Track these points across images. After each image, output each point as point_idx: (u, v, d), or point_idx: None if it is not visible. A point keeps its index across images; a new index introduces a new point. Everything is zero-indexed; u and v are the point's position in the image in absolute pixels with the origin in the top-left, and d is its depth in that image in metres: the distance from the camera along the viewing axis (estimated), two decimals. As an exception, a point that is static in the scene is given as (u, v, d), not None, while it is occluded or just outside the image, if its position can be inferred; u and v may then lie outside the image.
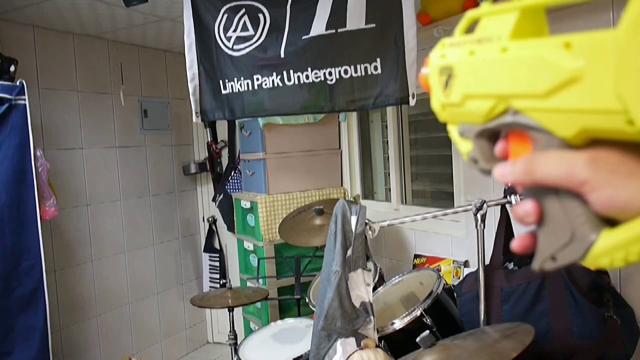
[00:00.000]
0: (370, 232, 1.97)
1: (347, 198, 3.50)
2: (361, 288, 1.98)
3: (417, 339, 1.59)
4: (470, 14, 0.49)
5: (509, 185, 1.89)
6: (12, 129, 2.62)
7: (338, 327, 1.91)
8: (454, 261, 2.68)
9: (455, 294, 2.09)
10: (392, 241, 3.11)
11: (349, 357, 1.86)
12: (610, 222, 0.40)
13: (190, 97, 2.35)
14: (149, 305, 4.03)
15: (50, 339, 2.73)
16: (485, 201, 1.80)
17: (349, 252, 1.94)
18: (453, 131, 0.52)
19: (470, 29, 0.49)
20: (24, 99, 2.66)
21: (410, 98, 2.02)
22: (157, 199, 4.11)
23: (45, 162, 2.78)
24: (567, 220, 0.42)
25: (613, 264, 0.39)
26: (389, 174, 3.44)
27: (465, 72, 0.47)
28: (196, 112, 2.35)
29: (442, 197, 3.09)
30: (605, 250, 0.39)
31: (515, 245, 0.46)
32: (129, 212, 3.85)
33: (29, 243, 2.67)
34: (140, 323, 3.94)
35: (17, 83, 2.66)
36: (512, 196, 1.81)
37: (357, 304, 1.96)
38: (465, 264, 2.63)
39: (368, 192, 3.59)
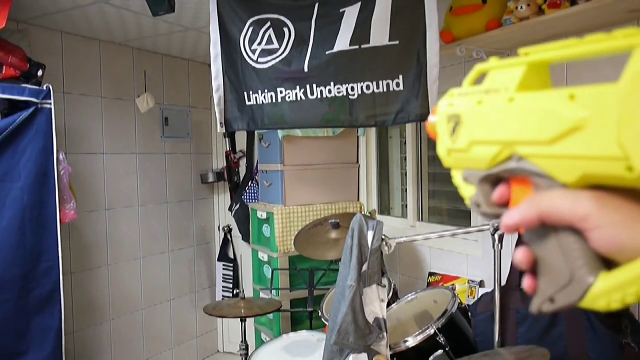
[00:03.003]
0: (386, 248, 1.97)
1: (363, 213, 3.50)
2: (375, 304, 1.97)
3: (430, 358, 1.58)
4: (479, 68, 0.52)
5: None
6: (36, 132, 2.67)
7: (350, 342, 1.90)
8: (469, 280, 2.66)
9: (469, 314, 2.08)
10: (407, 258, 3.10)
11: (360, 372, 1.85)
12: (607, 263, 0.42)
13: (215, 107, 2.38)
14: (161, 312, 4.05)
15: (64, 340, 2.75)
16: (503, 221, 1.79)
17: (365, 267, 1.94)
18: (457, 176, 0.54)
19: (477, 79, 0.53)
20: (50, 103, 2.71)
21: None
22: (174, 206, 4.15)
23: (68, 166, 2.82)
24: (565, 262, 0.43)
25: (610, 305, 0.40)
26: (405, 190, 3.44)
27: (472, 120, 0.50)
28: (220, 122, 2.38)
29: (458, 216, 3.08)
30: (603, 292, 0.40)
31: (518, 258, 0.47)
32: (146, 218, 3.89)
33: (48, 245, 2.70)
34: (152, 329, 3.96)
35: (44, 87, 2.71)
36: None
37: (370, 320, 1.95)
38: (481, 283, 2.61)
39: (384, 208, 3.58)
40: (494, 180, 0.51)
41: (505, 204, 0.50)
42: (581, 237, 0.42)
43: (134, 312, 3.81)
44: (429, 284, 2.88)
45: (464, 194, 0.53)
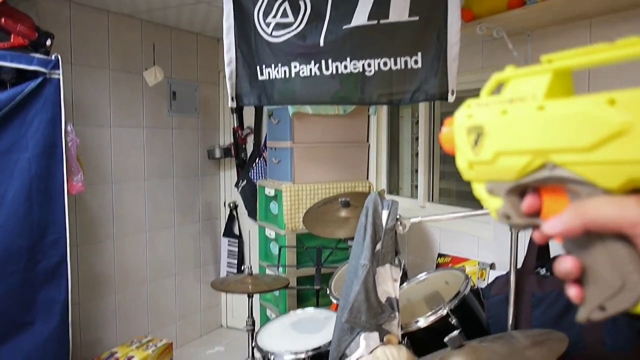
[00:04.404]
0: (400, 228, 1.95)
1: (371, 192, 3.47)
2: (388, 283, 1.96)
3: (446, 339, 1.57)
4: (498, 77, 0.51)
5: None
6: (45, 103, 2.63)
7: (362, 321, 1.89)
8: (479, 262, 2.64)
9: (482, 296, 2.06)
10: (416, 238, 3.08)
11: (371, 351, 1.84)
12: None
13: (227, 81, 2.34)
14: (166, 286, 4.06)
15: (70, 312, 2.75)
16: (521, 204, 1.76)
17: (378, 247, 1.92)
18: (479, 188, 0.54)
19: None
20: (58, 74, 2.67)
21: (450, 94, 1.99)
22: (180, 181, 4.12)
23: (75, 138, 2.79)
24: (615, 269, 0.42)
25: None
26: (416, 171, 3.40)
27: (498, 131, 0.49)
28: (231, 97, 2.34)
29: (469, 197, 3.05)
30: None
31: (566, 268, 0.46)
32: (152, 192, 3.87)
33: (55, 216, 2.68)
34: (157, 303, 3.97)
35: (53, 57, 2.66)
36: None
37: (382, 299, 1.94)
38: (492, 266, 2.59)
39: (393, 188, 3.55)
40: (521, 190, 0.50)
41: (535, 214, 0.49)
42: (629, 244, 0.41)
43: (139, 285, 3.81)
44: (438, 265, 2.86)
45: (489, 207, 0.52)
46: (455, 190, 3.20)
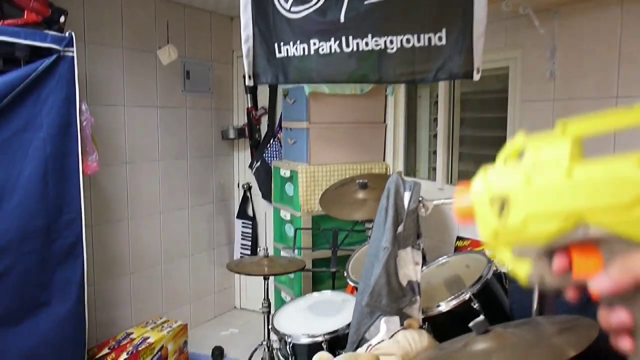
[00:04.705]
0: (423, 210, 1.90)
1: (388, 174, 3.42)
2: (409, 267, 1.92)
3: (471, 324, 1.52)
4: (515, 147, 0.52)
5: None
6: (59, 81, 2.60)
7: (383, 305, 1.85)
8: (499, 246, 2.59)
9: (505, 281, 2.02)
10: (434, 221, 3.03)
11: (392, 336, 1.81)
12: None
13: (244, 59, 2.28)
14: (180, 267, 4.05)
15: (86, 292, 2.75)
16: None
17: (400, 229, 1.88)
18: (504, 254, 0.53)
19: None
20: (72, 51, 2.63)
21: (475, 72, 1.92)
22: (194, 162, 4.09)
23: (90, 117, 2.75)
24: None
25: None
26: (434, 152, 3.34)
27: (525, 198, 0.50)
28: (249, 75, 2.28)
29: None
30: None
31: (619, 321, 0.47)
32: (166, 173, 3.84)
33: (71, 197, 2.66)
34: (171, 284, 3.97)
35: (66, 34, 2.62)
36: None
37: (404, 283, 1.90)
38: (512, 250, 2.54)
39: (410, 170, 3.50)
40: (551, 251, 0.50)
41: (567, 272, 0.50)
42: None
43: (153, 266, 3.80)
44: (456, 249, 2.82)
45: (519, 271, 0.52)
46: (474, 172, 3.13)
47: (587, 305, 1.64)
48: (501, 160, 0.54)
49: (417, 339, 1.79)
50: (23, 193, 2.49)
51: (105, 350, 2.96)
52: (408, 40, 2.02)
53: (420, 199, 1.88)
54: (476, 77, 1.92)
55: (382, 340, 1.79)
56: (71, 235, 2.67)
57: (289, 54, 2.22)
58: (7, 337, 2.46)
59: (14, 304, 2.48)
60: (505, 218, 0.51)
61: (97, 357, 2.89)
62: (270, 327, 2.53)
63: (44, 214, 2.56)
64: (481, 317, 1.53)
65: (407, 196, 1.88)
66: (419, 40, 2.00)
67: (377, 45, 2.07)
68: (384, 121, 3.48)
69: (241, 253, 4.46)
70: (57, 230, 2.61)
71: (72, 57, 2.63)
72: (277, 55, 2.25)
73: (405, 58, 2.04)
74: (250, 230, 4.42)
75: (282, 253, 3.50)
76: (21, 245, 2.48)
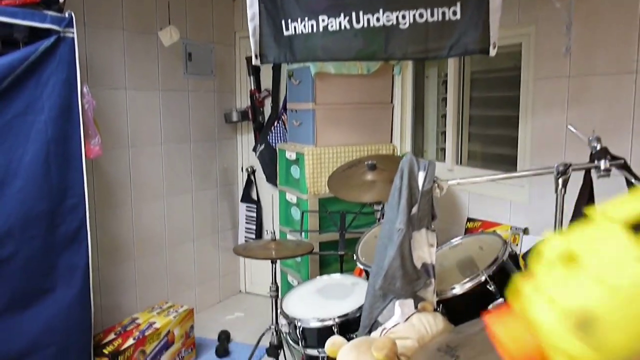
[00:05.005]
0: (438, 191, 1.85)
1: (396, 155, 3.36)
2: (424, 248, 1.87)
3: (490, 306, 1.48)
4: (557, 250, 0.45)
5: (597, 149, 1.74)
6: (59, 63, 2.53)
7: (397, 288, 1.81)
8: (512, 227, 2.54)
9: (522, 261, 1.97)
10: (443, 202, 2.98)
11: (407, 319, 1.77)
12: None
13: (250, 37, 2.21)
14: (184, 252, 4.01)
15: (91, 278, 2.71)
16: (570, 165, 1.65)
17: (414, 210, 1.83)
18: None
19: None
20: (72, 32, 2.56)
21: (491, 48, 1.86)
22: (197, 145, 4.03)
23: (92, 99, 2.69)
24: None
25: None
26: (442, 133, 3.28)
27: (619, 308, 0.42)
28: (255, 54, 2.21)
29: (497, 160, 2.93)
30: None
31: None
32: (169, 157, 3.79)
33: (74, 181, 2.61)
34: (175, 269, 3.93)
35: (66, 15, 2.55)
36: (601, 161, 1.65)
37: (418, 265, 1.85)
38: (525, 231, 2.50)
39: (417, 151, 3.44)
40: None
41: None
42: None
43: (158, 251, 3.76)
44: (467, 230, 2.77)
45: None
46: (481, 153, 3.08)
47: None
48: (544, 268, 0.46)
49: (432, 322, 1.75)
50: (25, 177, 2.43)
51: (112, 336, 2.93)
52: (421, 15, 1.95)
53: (435, 179, 1.83)
54: (492, 52, 1.85)
55: (397, 324, 1.75)
56: (75, 220, 2.62)
57: (297, 32, 2.15)
58: (13, 323, 2.42)
59: (19, 290, 2.44)
60: (597, 338, 0.43)
61: (103, 342, 2.86)
62: (279, 311, 2.49)
63: (47, 198, 2.51)
64: (500, 299, 1.49)
65: (421, 176, 1.83)
66: (432, 15, 1.93)
67: (388, 20, 2.00)
68: (391, 101, 3.41)
69: (246, 237, 4.42)
70: (61, 215, 2.56)
71: (73, 38, 2.56)
72: (285, 33, 2.18)
73: (418, 34, 1.97)
74: (254, 214, 4.38)
75: (288, 236, 3.46)
76: (24, 231, 2.44)
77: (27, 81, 2.43)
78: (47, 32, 2.48)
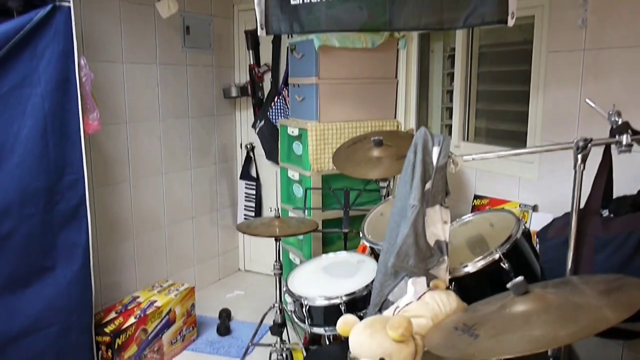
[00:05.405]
0: (452, 166, 1.80)
1: (400, 131, 3.30)
2: (437, 225, 1.83)
3: (509, 285, 1.44)
4: None
5: (619, 123, 1.69)
6: (55, 34, 2.44)
7: (410, 265, 1.77)
8: (520, 204, 2.50)
9: (536, 239, 1.93)
10: (450, 179, 2.92)
11: (419, 297, 1.73)
12: None
13: (255, 7, 2.12)
14: (183, 230, 3.96)
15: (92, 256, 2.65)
16: (590, 140, 1.59)
17: (428, 186, 1.78)
18: None
19: None
20: (69, 1, 2.47)
21: (509, 18, 1.78)
22: (195, 121, 3.95)
23: (90, 72, 2.60)
24: None
25: None
26: (446, 109, 3.22)
27: None
28: (261, 25, 2.12)
29: (505, 137, 2.87)
30: None
31: None
32: (167, 133, 3.71)
33: (73, 157, 2.54)
34: (175, 247, 3.88)
35: (61, -17, 2.45)
36: (623, 135, 1.60)
37: (431, 242, 1.81)
38: (534, 208, 2.46)
39: (422, 127, 3.37)
40: None
41: None
42: None
43: (157, 229, 3.71)
44: (474, 208, 2.73)
45: None
46: (485, 129, 3.02)
47: (628, 262, 1.55)
48: None
49: (445, 300, 1.71)
50: (22, 153, 2.36)
51: (112, 315, 2.89)
52: (435, -16, 1.87)
53: (450, 154, 1.78)
54: (510, 22, 1.78)
55: (410, 302, 1.71)
56: (74, 196, 2.55)
57: (305, 1, 2.07)
58: (13, 302, 2.37)
59: (18, 268, 2.38)
60: None
61: (104, 321, 2.82)
62: (284, 289, 2.45)
63: (45, 174, 2.44)
64: (520, 277, 1.44)
65: (435, 151, 1.78)
66: (447, -17, 1.86)
67: (401, -11, 1.92)
68: (396, 76, 3.34)
69: (245, 215, 4.37)
70: (60, 192, 2.50)
71: (69, 7, 2.46)
72: (292, 2, 2.09)
73: (433, 3, 1.89)
74: (254, 192, 4.32)
75: (290, 214, 3.41)
76: (22, 208, 2.37)
77: (22, 52, 2.34)
78: (42, 1, 2.39)
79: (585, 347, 2.12)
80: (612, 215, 1.75)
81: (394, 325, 1.49)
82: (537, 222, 2.40)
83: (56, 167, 2.47)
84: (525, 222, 2.44)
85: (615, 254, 1.67)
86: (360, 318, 1.64)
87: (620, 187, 1.82)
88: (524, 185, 2.53)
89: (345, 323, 1.64)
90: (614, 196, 1.82)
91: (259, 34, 2.13)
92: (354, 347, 1.56)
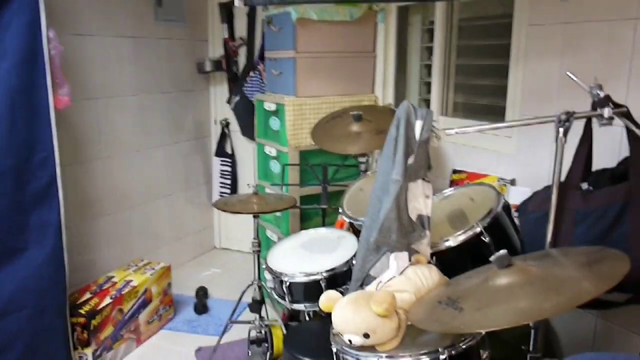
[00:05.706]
0: (435, 140, 1.78)
1: (378, 106, 3.28)
2: (419, 200, 1.82)
3: (492, 258, 1.44)
4: None
5: (600, 97, 1.69)
6: (20, 4, 2.32)
7: (393, 241, 1.76)
8: (499, 179, 2.52)
9: (515, 212, 1.95)
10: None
11: (402, 272, 1.73)
12: None
13: (232, -24, 2.06)
14: (157, 208, 3.89)
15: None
16: (573, 113, 1.59)
17: (410, 160, 1.76)
18: None
19: None
20: (34, -30, 2.35)
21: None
22: (168, 97, 3.86)
23: (59, 45, 2.50)
24: None
25: None
26: (424, 83, 3.20)
27: None
28: (239, -5, 2.07)
29: (483, 111, 2.87)
30: None
31: None
32: (140, 109, 3.62)
33: (42, 134, 2.45)
34: (149, 225, 3.82)
35: (25, -51, 2.33)
36: (604, 109, 1.60)
37: (413, 217, 1.80)
38: (512, 182, 2.47)
39: (400, 101, 3.35)
40: None
41: None
42: None
43: (130, 207, 3.63)
44: (452, 182, 2.74)
45: None
46: (463, 103, 3.01)
47: (607, 234, 1.56)
48: None
49: (427, 274, 1.71)
50: (-12, 131, 2.27)
51: (87, 295, 2.83)
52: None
53: (432, 128, 1.76)
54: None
55: (393, 277, 1.71)
56: (45, 175, 2.47)
57: (284, -29, 2.01)
58: (-17, 285, 2.30)
59: (-12, 250, 2.31)
60: None
61: (78, 302, 2.76)
62: (263, 266, 2.43)
63: (13, 153, 2.34)
64: (503, 250, 1.45)
65: (418, 125, 1.76)
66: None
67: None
68: (374, 50, 3.30)
69: (220, 192, 4.32)
70: (30, 171, 2.41)
71: (34, -24, 2.35)
72: (270, -28, 2.04)
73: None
74: (229, 169, 4.27)
75: (267, 190, 3.38)
76: (-10, 188, 2.29)
77: (-15, 24, 2.23)
78: (5, -30, 2.28)
79: (559, 317, 2.16)
80: (591, 188, 1.76)
81: (378, 300, 1.48)
82: (515, 196, 2.41)
83: (25, 144, 2.38)
84: (504, 196, 2.45)
85: (595, 226, 1.69)
86: (342, 294, 1.63)
87: (600, 160, 1.83)
88: (502, 160, 2.54)
89: (329, 299, 1.63)
90: (593, 169, 1.83)
91: (236, 4, 2.08)
92: (337, 322, 1.55)
